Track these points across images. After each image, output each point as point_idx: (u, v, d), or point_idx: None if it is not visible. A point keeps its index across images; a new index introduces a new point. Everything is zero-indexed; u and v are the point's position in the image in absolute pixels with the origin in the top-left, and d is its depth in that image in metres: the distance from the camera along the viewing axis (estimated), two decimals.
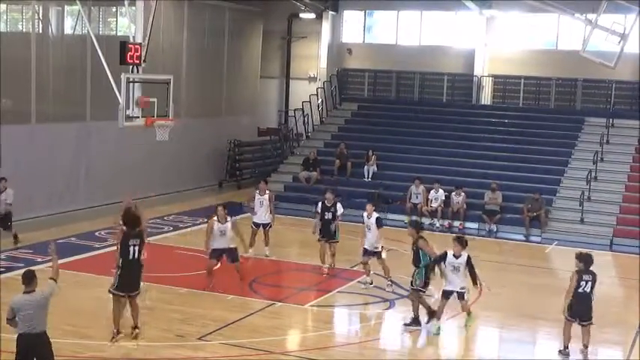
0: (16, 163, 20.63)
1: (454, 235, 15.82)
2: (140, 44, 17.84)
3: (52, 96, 22.18)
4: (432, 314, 14.10)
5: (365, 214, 16.60)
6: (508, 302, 16.44)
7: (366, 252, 16.53)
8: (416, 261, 14.28)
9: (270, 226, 18.99)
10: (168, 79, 18.58)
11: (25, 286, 9.81)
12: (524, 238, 22.93)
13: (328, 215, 17.44)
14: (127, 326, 13.52)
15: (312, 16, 31.30)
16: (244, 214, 24.35)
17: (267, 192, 19.00)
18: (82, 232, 20.48)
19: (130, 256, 12.62)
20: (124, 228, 12.82)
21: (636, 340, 14.12)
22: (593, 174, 24.61)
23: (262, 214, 18.86)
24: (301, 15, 31.56)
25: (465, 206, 23.93)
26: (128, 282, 12.66)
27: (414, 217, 23.07)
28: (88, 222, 21.48)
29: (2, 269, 16.57)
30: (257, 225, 18.93)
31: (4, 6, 21.78)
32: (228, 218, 15.97)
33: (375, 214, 16.48)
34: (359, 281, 16.95)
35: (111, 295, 12.90)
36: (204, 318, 14.13)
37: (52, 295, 9.80)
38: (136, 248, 12.64)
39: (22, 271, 16.29)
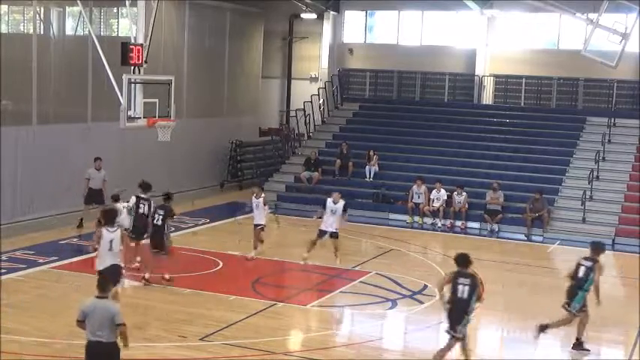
0: (17, 164, 20.65)
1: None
2: (141, 45, 17.84)
3: (54, 97, 22.18)
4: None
5: (331, 200, 18.15)
6: (509, 302, 16.44)
7: (321, 233, 18.11)
8: (580, 283, 13.33)
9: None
10: (169, 79, 18.58)
11: (99, 292, 9.69)
12: (525, 238, 22.92)
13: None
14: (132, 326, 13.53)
15: (314, 16, 31.31)
16: (245, 214, 24.43)
17: (263, 196, 18.97)
18: (83, 233, 20.47)
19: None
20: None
21: (638, 339, 14.09)
22: (595, 173, 24.60)
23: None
24: (302, 15, 31.57)
25: (466, 206, 23.92)
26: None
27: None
28: (90, 223, 21.44)
29: (4, 270, 16.57)
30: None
31: (5, 7, 21.78)
32: (262, 194, 18.62)
33: (342, 201, 18.09)
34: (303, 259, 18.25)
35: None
36: (206, 318, 14.14)
37: (118, 314, 9.55)
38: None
39: (23, 272, 16.57)
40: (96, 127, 23.00)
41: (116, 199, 17.06)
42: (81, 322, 9.65)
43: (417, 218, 24.21)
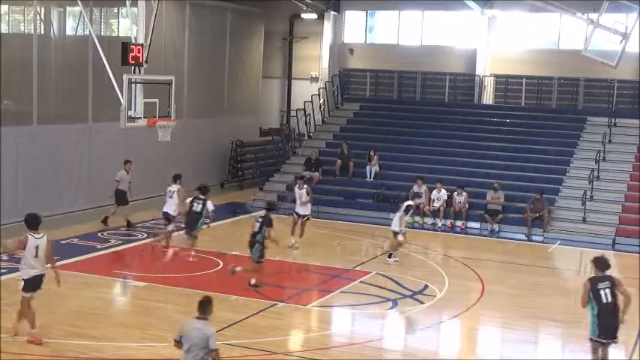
0: (17, 164, 20.65)
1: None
2: (142, 45, 17.84)
3: (54, 97, 22.18)
4: None
5: (297, 187, 20.39)
6: (509, 302, 16.43)
7: (297, 215, 20.19)
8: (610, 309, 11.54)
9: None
10: (170, 79, 18.58)
11: (199, 312, 9.48)
12: (526, 238, 22.92)
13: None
14: (133, 326, 13.54)
15: (314, 16, 31.31)
16: (248, 213, 24.44)
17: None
18: (83, 233, 20.51)
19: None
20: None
21: (638, 340, 14.08)
22: (595, 173, 24.59)
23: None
24: (303, 15, 31.57)
25: (467, 206, 23.92)
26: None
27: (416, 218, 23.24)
28: (90, 223, 21.51)
29: (4, 270, 16.57)
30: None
31: (5, 7, 21.78)
32: (305, 186, 20.24)
33: (305, 187, 20.23)
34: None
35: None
36: None
37: (212, 338, 9.32)
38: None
39: (22, 272, 16.53)
40: (96, 127, 23.00)
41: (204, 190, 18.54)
42: (177, 343, 9.40)
43: (417, 218, 24.21)
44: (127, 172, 21.50)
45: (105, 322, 13.82)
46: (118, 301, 16.16)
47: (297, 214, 20.27)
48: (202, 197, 18.25)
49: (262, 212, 16.83)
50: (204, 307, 9.47)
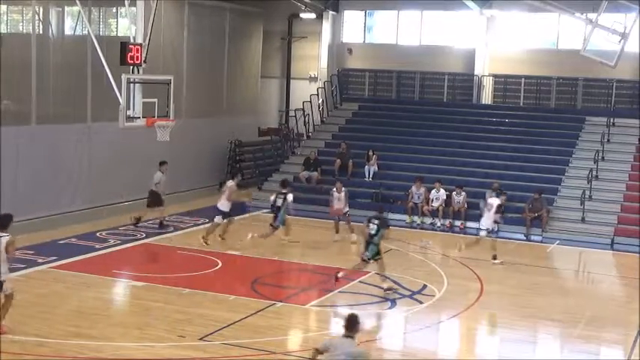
0: (16, 164, 20.63)
1: None
2: (140, 45, 17.84)
3: (53, 97, 22.15)
4: None
5: (335, 190, 21.25)
6: (509, 302, 16.44)
7: (338, 217, 21.28)
8: None
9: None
10: (168, 79, 18.57)
11: (346, 330, 9.38)
12: (525, 238, 22.92)
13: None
14: (132, 326, 13.55)
15: (313, 16, 31.31)
16: (246, 213, 24.45)
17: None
18: (82, 233, 20.51)
19: None
20: None
21: (637, 339, 14.09)
22: (594, 173, 24.60)
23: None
24: (301, 15, 31.56)
25: (466, 206, 23.92)
26: None
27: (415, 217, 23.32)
28: (89, 223, 21.51)
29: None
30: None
31: (4, 7, 21.75)
32: (343, 189, 21.18)
33: (344, 190, 21.19)
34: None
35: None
36: (205, 318, 14.13)
37: (360, 356, 9.23)
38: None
39: (23, 271, 16.55)
40: (95, 127, 22.97)
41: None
42: (317, 351, 9.29)
43: (416, 218, 24.21)
44: (163, 173, 21.73)
45: (104, 322, 13.81)
46: (116, 301, 16.16)
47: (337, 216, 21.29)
48: (284, 191, 19.68)
49: (373, 216, 16.87)
50: (352, 324, 9.37)
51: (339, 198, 21.21)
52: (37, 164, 21.19)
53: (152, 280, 16.34)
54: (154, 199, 21.70)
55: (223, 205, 20.10)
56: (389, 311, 15.38)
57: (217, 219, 20.06)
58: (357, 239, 19.69)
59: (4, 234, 12.74)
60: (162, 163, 21.83)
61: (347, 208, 21.35)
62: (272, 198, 19.98)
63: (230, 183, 20.53)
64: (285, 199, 19.56)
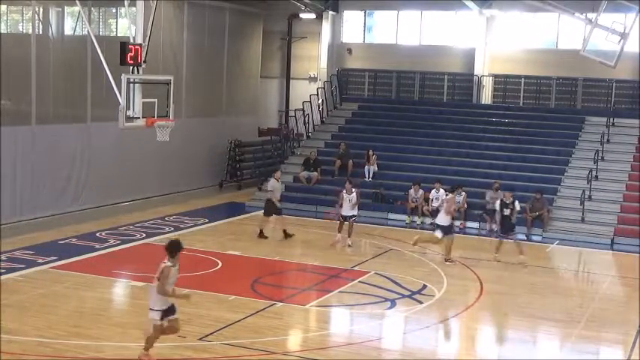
0: (16, 164, 20.64)
1: None
2: (140, 45, 17.80)
3: (53, 97, 22.16)
4: None
5: (344, 192, 20.38)
6: (509, 302, 16.43)
7: (345, 218, 20.51)
8: None
9: None
10: (168, 79, 18.54)
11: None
12: (525, 238, 22.90)
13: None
14: (132, 326, 13.54)
15: (312, 16, 31.32)
16: (246, 213, 24.46)
17: None
18: (82, 233, 20.51)
19: None
20: None
21: (637, 339, 14.09)
22: (594, 173, 24.61)
23: None
24: (301, 15, 31.57)
25: (465, 206, 23.91)
26: None
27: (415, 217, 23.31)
28: (89, 223, 21.51)
29: (3, 270, 16.58)
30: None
31: (4, 7, 21.75)
32: (354, 190, 20.21)
33: (354, 191, 20.37)
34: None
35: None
36: (205, 318, 14.12)
37: None
38: None
39: (23, 271, 16.55)
40: (95, 127, 22.98)
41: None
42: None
43: (415, 218, 24.20)
44: (277, 180, 21.40)
45: (104, 322, 13.81)
46: (116, 301, 16.16)
47: (344, 217, 20.44)
48: (511, 199, 19.39)
49: None
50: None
51: (350, 199, 20.37)
52: (37, 164, 21.20)
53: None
54: (270, 208, 21.13)
55: (443, 219, 19.24)
56: (388, 311, 15.38)
57: (437, 233, 19.26)
58: (353, 244, 19.85)
59: None
60: (275, 171, 21.63)
61: (355, 211, 20.57)
62: (497, 206, 19.69)
63: (449, 196, 19.70)
64: (513, 207, 19.44)
